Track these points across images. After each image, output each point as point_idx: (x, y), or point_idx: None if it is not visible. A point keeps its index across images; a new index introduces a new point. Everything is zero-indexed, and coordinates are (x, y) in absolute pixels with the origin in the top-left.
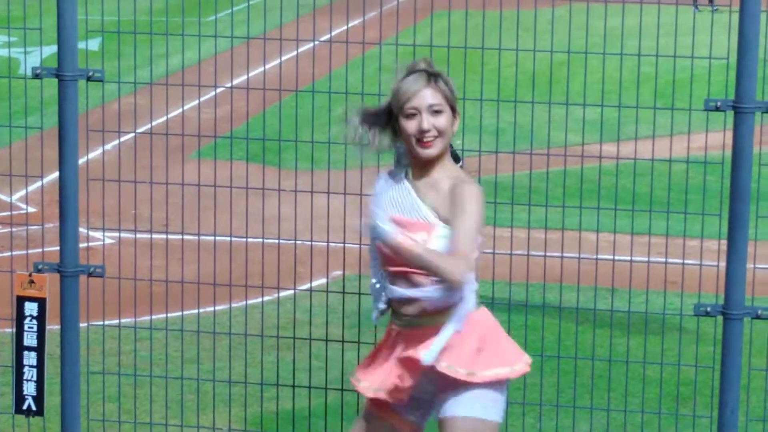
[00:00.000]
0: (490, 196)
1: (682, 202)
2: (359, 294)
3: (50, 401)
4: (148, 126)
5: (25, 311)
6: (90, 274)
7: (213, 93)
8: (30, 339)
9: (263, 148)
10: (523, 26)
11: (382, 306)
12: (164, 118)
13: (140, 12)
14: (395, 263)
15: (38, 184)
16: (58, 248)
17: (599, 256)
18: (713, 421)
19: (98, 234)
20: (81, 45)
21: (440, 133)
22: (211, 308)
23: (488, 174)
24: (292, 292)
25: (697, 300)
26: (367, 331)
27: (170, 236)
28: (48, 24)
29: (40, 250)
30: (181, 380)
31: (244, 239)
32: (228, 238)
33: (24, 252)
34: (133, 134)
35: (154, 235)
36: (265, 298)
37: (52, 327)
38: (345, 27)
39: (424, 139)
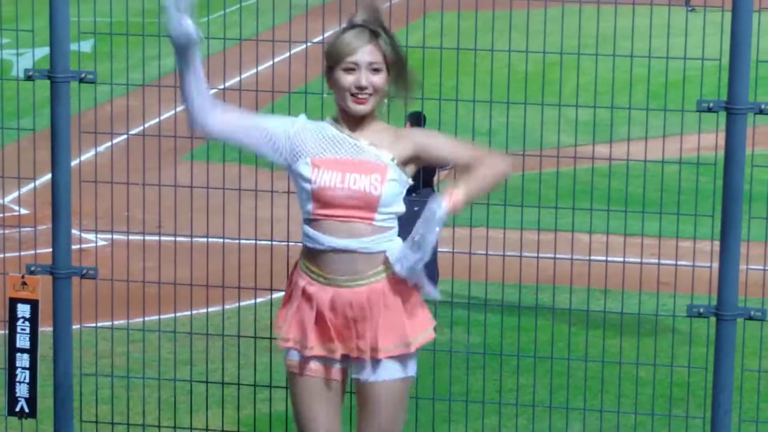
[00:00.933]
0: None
1: (674, 204)
2: None
3: (43, 403)
4: (141, 128)
5: (18, 313)
6: (83, 276)
7: None
8: (23, 341)
9: None
10: (516, 27)
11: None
12: (157, 120)
13: (132, 13)
14: (343, 207)
15: (31, 185)
16: (50, 250)
17: (592, 258)
18: (706, 422)
19: (91, 236)
20: (73, 46)
21: (375, 91)
22: (204, 310)
23: None
24: None
25: (690, 301)
26: None
27: (163, 238)
28: (40, 25)
29: (33, 251)
30: (174, 382)
31: (237, 241)
32: (221, 240)
33: (16, 254)
34: (125, 136)
35: (147, 237)
36: (258, 300)
37: (45, 329)
38: (337, 28)
39: (360, 96)
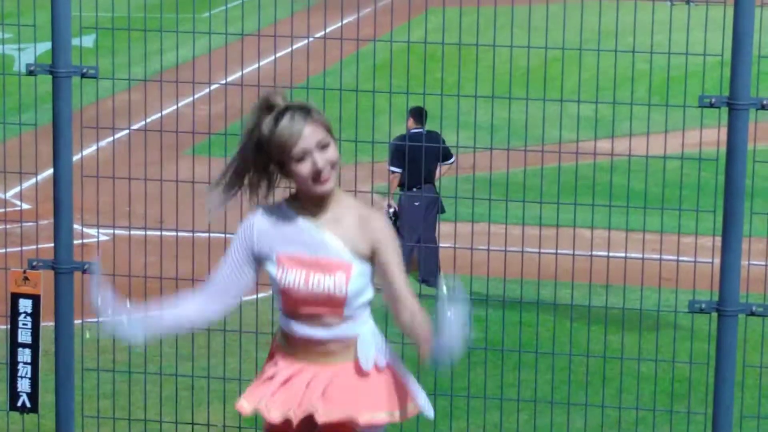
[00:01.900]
0: (485, 193)
1: (676, 199)
2: None
3: (45, 398)
4: (143, 123)
5: (20, 308)
6: (84, 271)
7: (207, 90)
8: (24, 336)
9: None
10: (518, 23)
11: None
12: (158, 115)
13: (134, 8)
14: (309, 305)
15: (32, 180)
16: (52, 245)
17: (594, 253)
18: (708, 417)
19: (93, 231)
20: (75, 42)
21: (332, 166)
22: None
23: (483, 171)
24: None
25: (692, 296)
26: None
27: (165, 233)
28: (42, 20)
29: (35, 247)
30: (176, 377)
31: None
32: (222, 235)
33: (18, 249)
34: (127, 131)
35: (149, 232)
36: (260, 295)
37: (47, 324)
38: (339, 24)
39: (321, 177)
